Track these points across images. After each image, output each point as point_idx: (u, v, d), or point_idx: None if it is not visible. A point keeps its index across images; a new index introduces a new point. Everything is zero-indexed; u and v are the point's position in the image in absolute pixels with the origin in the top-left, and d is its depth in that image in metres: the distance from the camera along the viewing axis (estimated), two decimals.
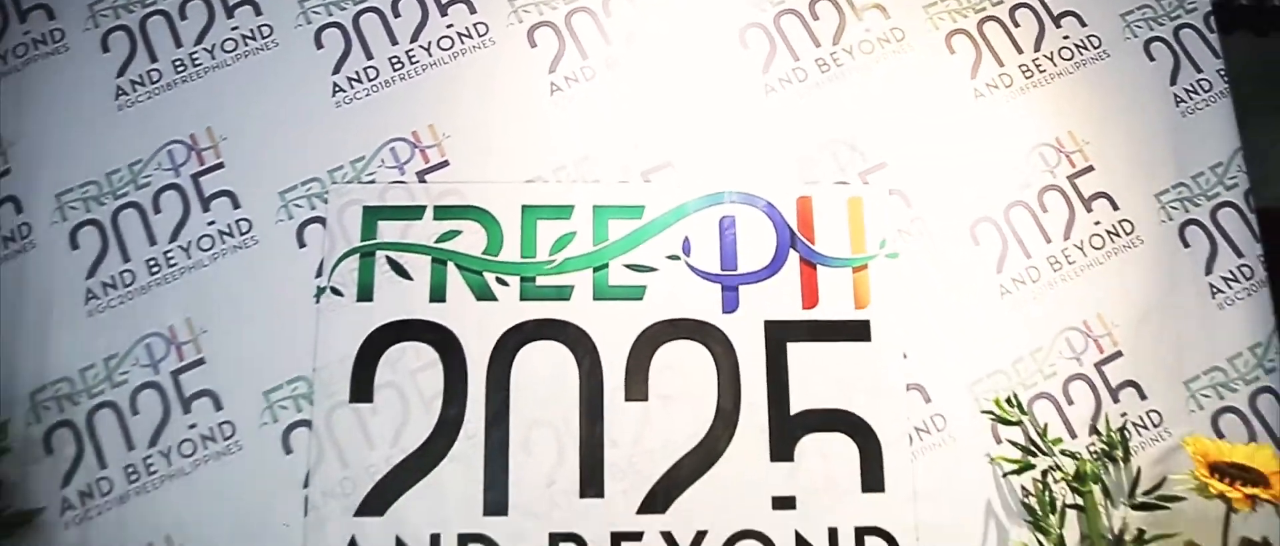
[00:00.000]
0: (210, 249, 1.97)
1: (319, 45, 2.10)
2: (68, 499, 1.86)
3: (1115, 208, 2.10)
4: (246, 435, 1.89)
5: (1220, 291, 2.06)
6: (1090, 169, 2.11)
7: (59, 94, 2.06)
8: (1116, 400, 1.99)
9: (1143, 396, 2.00)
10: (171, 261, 1.96)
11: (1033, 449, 1.90)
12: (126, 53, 2.09)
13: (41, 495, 1.85)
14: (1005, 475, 1.91)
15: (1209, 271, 2.07)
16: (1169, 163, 2.14)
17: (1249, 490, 1.69)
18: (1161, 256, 2.08)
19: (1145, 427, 1.98)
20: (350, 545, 1.84)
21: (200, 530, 1.85)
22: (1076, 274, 2.05)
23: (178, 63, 2.08)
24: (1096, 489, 1.85)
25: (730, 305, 1.98)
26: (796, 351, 1.95)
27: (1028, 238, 2.06)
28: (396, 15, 2.12)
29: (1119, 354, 2.01)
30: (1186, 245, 2.08)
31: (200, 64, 2.08)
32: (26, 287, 1.95)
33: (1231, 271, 2.07)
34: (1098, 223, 2.09)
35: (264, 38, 2.10)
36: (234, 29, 2.10)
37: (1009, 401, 1.92)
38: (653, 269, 1.99)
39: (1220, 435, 1.98)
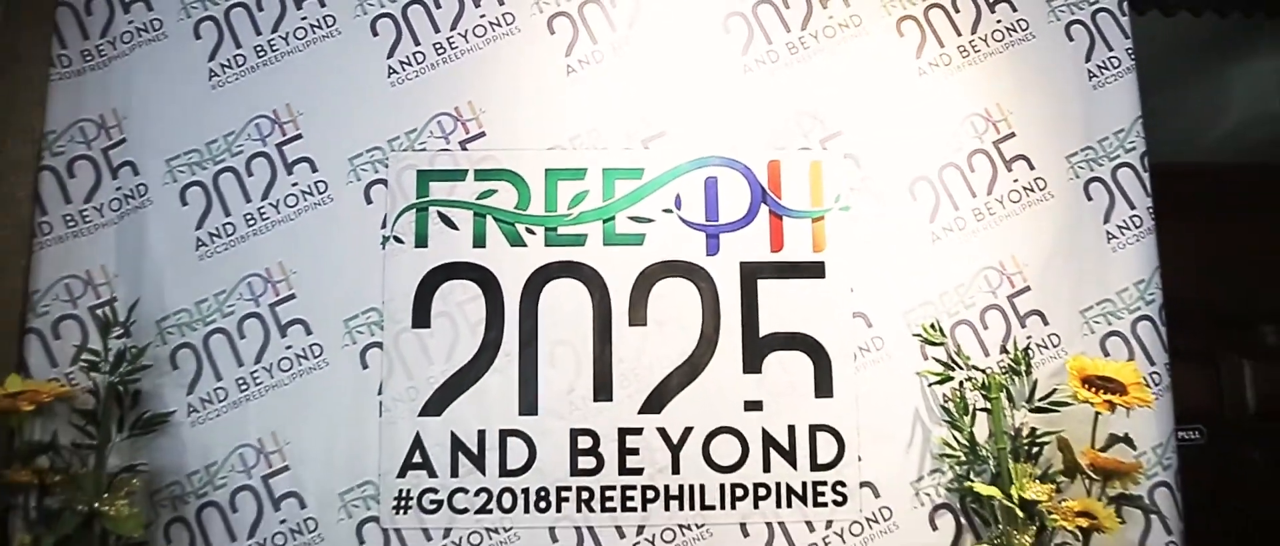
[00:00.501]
0: (295, 205, 2.44)
1: (374, 33, 2.53)
2: (191, 404, 2.36)
3: (1031, 167, 2.55)
4: (331, 354, 2.39)
5: (1114, 237, 2.52)
6: (1012, 135, 2.56)
7: (161, 74, 2.50)
8: (1023, 325, 2.47)
9: (1046, 322, 2.48)
10: (264, 216, 2.44)
11: (952, 364, 2.39)
12: (216, 39, 2.52)
13: (171, 402, 2.36)
14: (929, 385, 2.40)
15: (1107, 220, 2.54)
16: (1079, 129, 2.58)
17: (1108, 397, 2.19)
18: (1068, 208, 2.53)
19: (1046, 348, 2.47)
20: (415, 439, 2.36)
21: (297, 429, 2.36)
22: (996, 223, 2.51)
23: (258, 48, 2.52)
24: (1001, 396, 2.34)
25: (712, 249, 2.46)
26: (765, 286, 2.44)
27: (957, 193, 2.52)
28: (438, 6, 2.54)
29: (1027, 288, 2.49)
30: (1089, 199, 2.54)
31: (277, 50, 2.52)
32: (147, 236, 2.43)
33: (1125, 220, 2.53)
34: (1016, 180, 2.54)
35: (329, 26, 2.53)
36: (304, 19, 2.53)
37: (934, 327, 2.40)
38: (650, 220, 2.46)
39: (1107, 354, 2.47)
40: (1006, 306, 2.49)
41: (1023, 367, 2.39)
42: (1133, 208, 2.54)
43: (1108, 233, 2.53)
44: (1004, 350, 2.45)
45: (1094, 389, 2.21)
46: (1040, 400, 2.36)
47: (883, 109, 2.55)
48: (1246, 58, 3.10)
